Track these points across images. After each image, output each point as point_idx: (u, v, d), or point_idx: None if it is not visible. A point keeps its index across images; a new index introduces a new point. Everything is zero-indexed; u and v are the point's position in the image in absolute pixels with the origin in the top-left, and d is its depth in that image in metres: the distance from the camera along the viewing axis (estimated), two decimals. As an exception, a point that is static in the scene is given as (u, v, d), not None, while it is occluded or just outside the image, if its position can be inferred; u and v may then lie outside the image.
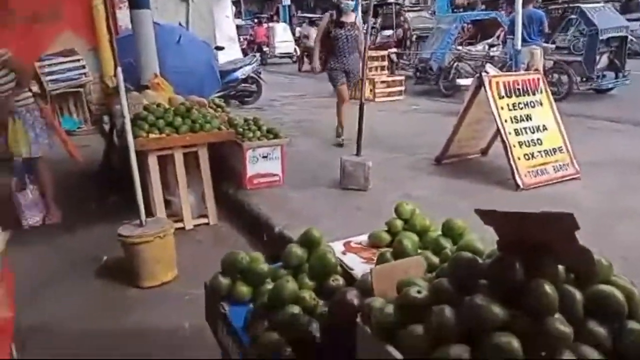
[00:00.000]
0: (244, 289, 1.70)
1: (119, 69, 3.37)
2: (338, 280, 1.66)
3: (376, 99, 10.22)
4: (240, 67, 9.52)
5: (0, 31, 4.00)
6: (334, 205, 4.24)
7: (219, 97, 7.40)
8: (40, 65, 8.02)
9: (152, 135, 4.04)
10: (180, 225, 4.20)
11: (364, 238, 2.06)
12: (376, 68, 11.12)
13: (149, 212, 3.86)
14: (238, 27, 15.92)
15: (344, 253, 1.90)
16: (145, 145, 3.92)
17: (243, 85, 9.64)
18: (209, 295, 1.77)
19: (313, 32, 16.22)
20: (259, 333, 1.43)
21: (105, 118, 7.87)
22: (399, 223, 2.02)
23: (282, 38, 19.98)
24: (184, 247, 3.74)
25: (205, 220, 4.40)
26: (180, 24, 8.37)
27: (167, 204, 4.36)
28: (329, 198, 4.41)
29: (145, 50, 5.08)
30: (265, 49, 19.77)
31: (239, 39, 15.50)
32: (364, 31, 5.67)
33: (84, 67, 8.52)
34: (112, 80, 7.41)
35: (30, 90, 4.36)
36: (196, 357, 2.59)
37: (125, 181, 5.32)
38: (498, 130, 4.73)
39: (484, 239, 1.59)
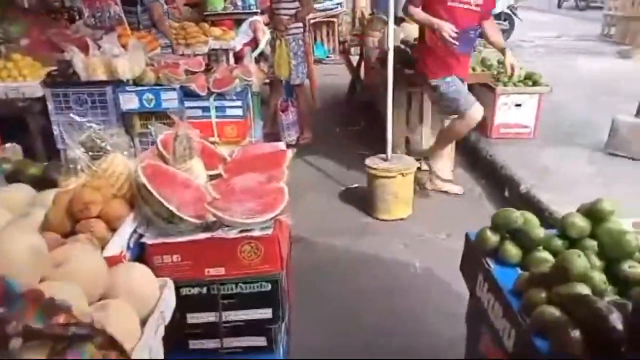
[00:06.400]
0: (513, 251, 1.57)
1: (391, 1, 3.34)
2: (636, 268, 1.40)
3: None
4: (494, 3, 8.73)
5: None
6: (595, 171, 3.67)
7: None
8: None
9: (406, 71, 4.02)
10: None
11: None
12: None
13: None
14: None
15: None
16: (399, 80, 3.92)
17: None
18: (471, 247, 1.70)
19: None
20: (534, 303, 1.31)
21: (352, 50, 8.20)
22: None
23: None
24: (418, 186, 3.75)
25: (442, 163, 4.31)
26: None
27: (406, 141, 4.40)
28: (590, 162, 3.83)
29: (405, -19, 4.98)
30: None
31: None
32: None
33: (340, -3, 8.95)
34: (365, 11, 7.63)
35: (303, 22, 4.72)
36: (425, 296, 2.63)
37: (368, 113, 5.60)
38: None
39: None
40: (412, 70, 4.09)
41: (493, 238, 1.62)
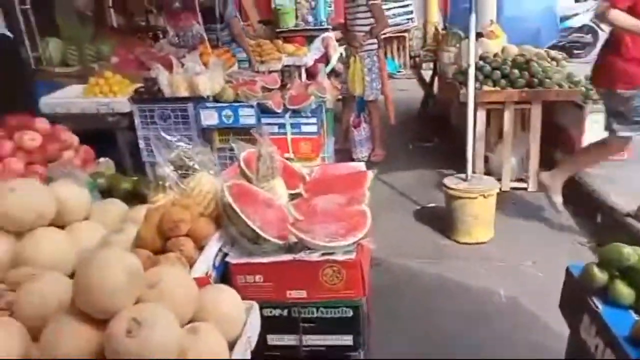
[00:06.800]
0: (625, 291, 1.42)
1: (473, 16, 3.22)
2: None
3: None
4: (577, 14, 8.30)
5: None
6: None
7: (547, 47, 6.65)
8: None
9: (485, 87, 3.87)
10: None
11: None
12: None
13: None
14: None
15: None
16: (478, 98, 3.77)
17: (576, 35, 8.42)
18: (574, 282, 1.55)
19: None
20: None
21: (424, 65, 8.03)
22: None
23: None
24: (498, 209, 3.54)
25: (523, 185, 4.08)
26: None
27: (485, 160, 4.21)
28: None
29: (484, -6, 4.83)
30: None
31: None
32: None
33: (411, 12, 8.85)
34: (438, 26, 7.48)
35: (377, 38, 4.69)
36: (511, 326, 2.47)
37: (441, 128, 5.45)
38: None
39: None
40: (492, 87, 3.93)
41: (600, 275, 1.47)
